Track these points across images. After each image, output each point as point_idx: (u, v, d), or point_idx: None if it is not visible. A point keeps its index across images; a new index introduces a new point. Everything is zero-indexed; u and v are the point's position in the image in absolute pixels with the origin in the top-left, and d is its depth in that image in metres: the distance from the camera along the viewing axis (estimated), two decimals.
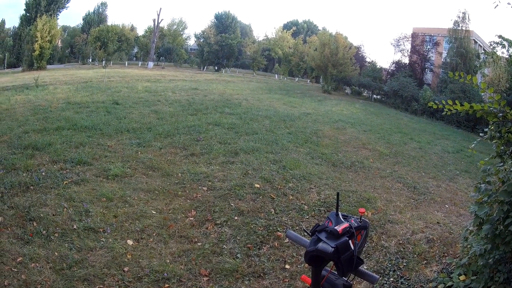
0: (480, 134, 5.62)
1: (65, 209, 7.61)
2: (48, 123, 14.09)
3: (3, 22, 74.67)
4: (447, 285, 5.66)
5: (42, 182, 8.74)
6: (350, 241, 2.56)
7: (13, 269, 5.62)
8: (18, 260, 5.86)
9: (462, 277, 5.42)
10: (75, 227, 7.00)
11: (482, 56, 42.58)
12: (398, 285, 6.20)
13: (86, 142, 11.96)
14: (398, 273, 6.52)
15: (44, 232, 6.73)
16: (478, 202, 5.22)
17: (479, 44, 53.72)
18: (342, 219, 2.74)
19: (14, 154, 10.43)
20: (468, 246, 5.59)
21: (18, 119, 14.57)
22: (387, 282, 6.26)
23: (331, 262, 2.62)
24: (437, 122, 34.97)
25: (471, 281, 5.14)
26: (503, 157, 5.21)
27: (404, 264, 6.79)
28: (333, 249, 2.44)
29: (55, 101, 19.18)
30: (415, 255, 7.07)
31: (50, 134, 12.62)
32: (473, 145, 5.94)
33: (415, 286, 6.12)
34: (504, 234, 4.63)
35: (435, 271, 6.47)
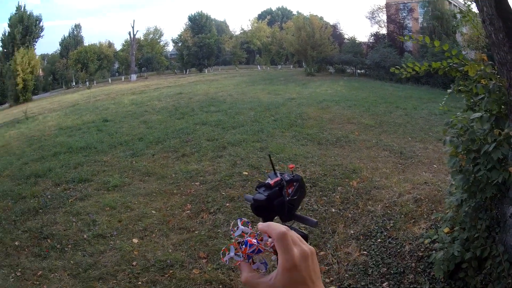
0: (448, 90, 5.68)
1: (74, 223, 8.26)
2: (45, 151, 14.53)
3: None
4: (433, 239, 5.95)
5: (49, 204, 9.35)
6: (282, 191, 3.24)
7: (35, 283, 6.25)
8: (39, 274, 6.48)
9: (446, 229, 5.57)
10: (85, 236, 7.66)
11: (458, 15, 42.49)
12: (386, 244, 6.64)
13: (83, 162, 12.49)
14: (385, 233, 6.96)
15: (58, 246, 7.37)
16: (451, 155, 5.34)
17: (454, 4, 53.37)
18: (278, 176, 3.41)
19: (19, 185, 10.96)
20: (452, 199, 5.64)
21: (16, 153, 15.02)
22: (375, 243, 6.72)
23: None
24: (423, 86, 34.58)
25: (457, 233, 5.31)
26: (474, 110, 5.27)
27: (391, 225, 7.23)
28: (265, 197, 3.11)
29: (47, 129, 19.52)
30: (402, 216, 7.49)
31: (48, 160, 13.10)
32: (443, 102, 6.07)
33: (403, 244, 6.52)
34: (478, 182, 4.84)
35: (423, 228, 6.88)
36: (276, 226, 1.09)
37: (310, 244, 1.17)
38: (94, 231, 7.86)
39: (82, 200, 9.53)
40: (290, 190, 3.41)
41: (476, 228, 5.03)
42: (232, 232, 1.24)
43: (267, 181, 3.42)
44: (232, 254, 1.17)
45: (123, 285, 6.14)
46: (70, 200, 9.52)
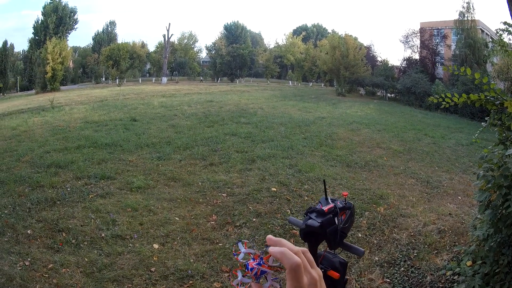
0: (482, 123, 5.60)
1: (92, 220, 8.05)
2: (68, 142, 14.54)
3: (12, 46, 75.22)
4: (455, 272, 5.85)
5: (68, 197, 9.19)
6: (335, 218, 3.05)
7: (44, 275, 6.03)
8: (49, 266, 6.28)
9: (468, 263, 5.51)
10: (103, 235, 7.44)
11: (490, 44, 42.16)
12: (409, 274, 6.47)
13: (107, 159, 12.40)
14: (409, 262, 6.78)
15: (74, 241, 7.16)
16: (481, 189, 5.26)
17: (486, 33, 52.89)
18: (330, 202, 3.24)
19: (38, 172, 10.88)
20: (476, 233, 5.54)
21: (38, 140, 15.04)
22: (398, 272, 6.54)
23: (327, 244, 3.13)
24: (451, 115, 34.66)
25: (479, 267, 5.22)
26: (505, 144, 5.29)
27: (415, 254, 7.04)
28: (319, 224, 2.93)
29: (73, 121, 19.68)
30: (426, 246, 7.32)
31: (71, 152, 13.06)
32: (476, 134, 6.00)
33: (425, 274, 6.37)
34: (505, 218, 4.75)
35: (445, 259, 6.70)
36: (290, 256, 1.04)
37: None
38: (113, 231, 7.66)
39: (103, 197, 9.36)
40: (342, 218, 3.22)
41: (498, 263, 4.93)
42: (235, 256, 1.24)
43: (318, 206, 3.22)
44: (240, 277, 1.18)
45: None
46: (90, 196, 9.35)
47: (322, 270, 3.21)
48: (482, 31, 51.40)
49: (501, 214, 4.85)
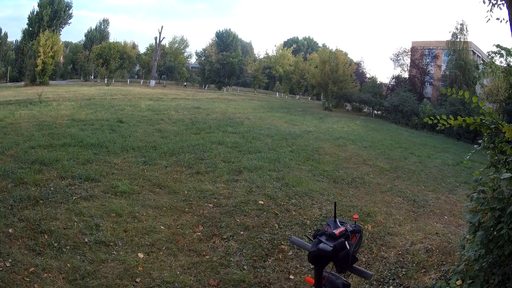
0: (475, 146, 5.74)
1: (75, 223, 7.80)
2: (54, 139, 14.35)
3: (6, 35, 74.96)
4: None
5: (51, 196, 8.94)
6: (346, 242, 2.97)
7: (25, 279, 5.79)
8: (31, 270, 6.03)
9: (458, 282, 5.57)
10: (86, 240, 7.20)
11: (480, 66, 42.60)
12: None
13: (93, 159, 12.19)
14: (398, 281, 6.74)
15: (56, 244, 6.91)
16: (472, 210, 5.37)
17: (477, 55, 53.68)
18: (339, 224, 3.15)
19: (22, 168, 10.62)
20: (465, 253, 5.71)
21: (24, 134, 14.84)
22: None
23: (331, 264, 3.07)
24: (438, 135, 35.21)
25: (468, 286, 5.30)
26: (497, 167, 5.38)
27: (403, 273, 7.01)
28: (331, 248, 2.85)
29: (60, 118, 19.52)
30: (414, 264, 7.30)
31: (56, 150, 12.86)
32: (468, 156, 6.07)
33: None
34: (497, 239, 4.81)
35: (433, 278, 6.68)
36: None
37: None
38: (96, 236, 7.43)
39: (87, 200, 9.12)
40: (352, 241, 3.13)
41: (489, 282, 5.05)
42: None
43: (326, 228, 3.12)
44: None
45: None
46: (74, 198, 9.10)
47: None
48: (474, 52, 52.07)
49: (492, 236, 4.90)
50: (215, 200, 9.89)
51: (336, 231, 3.01)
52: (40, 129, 16.12)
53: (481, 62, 46.66)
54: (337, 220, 3.23)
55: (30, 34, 63.96)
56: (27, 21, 66.66)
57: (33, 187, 9.40)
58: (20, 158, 11.48)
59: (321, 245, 2.89)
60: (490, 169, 5.46)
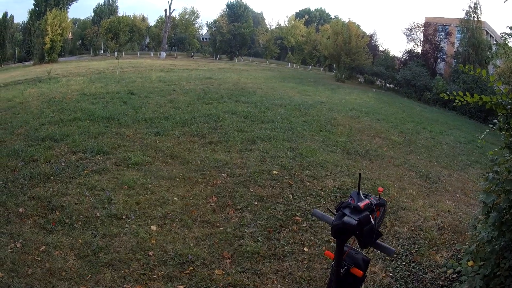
0: (490, 125, 5.54)
1: (87, 197, 7.74)
2: (64, 114, 14.15)
3: (12, 17, 74.77)
4: (456, 270, 5.83)
5: (62, 172, 8.85)
6: (370, 216, 2.82)
7: (36, 258, 5.73)
8: (41, 249, 5.97)
9: (470, 263, 5.51)
10: (98, 214, 7.14)
11: (494, 47, 42.15)
12: (410, 268, 6.36)
13: (104, 132, 12.06)
14: (410, 257, 6.68)
15: (67, 220, 6.85)
16: (486, 190, 5.22)
17: (490, 35, 53.05)
18: (363, 197, 3.01)
19: (32, 146, 10.49)
20: (477, 234, 5.64)
21: (33, 112, 14.65)
22: (400, 266, 6.42)
23: (352, 239, 2.98)
24: (450, 112, 34.84)
25: (479, 267, 5.22)
26: (511, 148, 5.17)
27: (416, 249, 6.95)
28: (356, 222, 2.71)
29: (70, 93, 19.30)
30: (426, 241, 7.22)
31: (67, 125, 12.70)
32: (483, 135, 5.86)
33: (426, 271, 6.26)
34: (510, 222, 4.72)
35: (445, 257, 6.61)
36: None
37: None
38: (108, 210, 7.36)
39: (99, 173, 9.02)
40: (376, 215, 2.98)
41: (499, 266, 4.90)
42: None
43: (350, 201, 2.97)
44: None
45: (136, 277, 5.65)
46: (85, 172, 9.01)
47: (345, 267, 3.04)
48: (487, 32, 51.55)
49: (505, 218, 4.78)
50: (229, 170, 9.78)
51: (361, 204, 2.89)
52: (50, 106, 15.94)
53: (494, 42, 46.19)
54: (361, 192, 3.10)
55: (37, 14, 63.41)
56: (33, 2, 66.19)
57: (44, 164, 9.31)
58: (30, 136, 11.35)
59: (346, 218, 2.77)
60: (504, 150, 5.31)
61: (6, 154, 9.74)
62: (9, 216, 6.88)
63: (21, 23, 76.04)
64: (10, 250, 5.86)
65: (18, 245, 6.02)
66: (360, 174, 3.47)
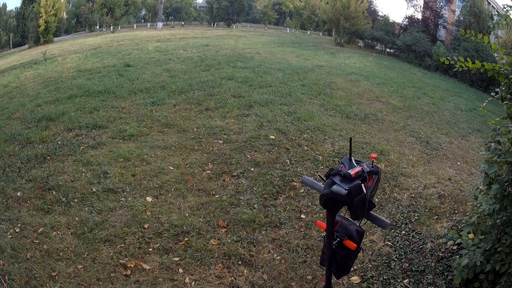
0: (492, 94, 5.47)
1: (83, 174, 7.72)
2: (60, 93, 14.07)
3: (5, 5, 74.32)
4: (456, 242, 5.74)
5: (58, 151, 8.83)
6: (362, 185, 2.64)
7: (34, 241, 5.76)
8: (40, 231, 5.99)
9: (470, 235, 5.45)
10: (94, 190, 7.13)
11: (495, 17, 41.86)
12: (410, 238, 6.34)
13: (100, 107, 11.97)
14: (410, 226, 6.65)
15: (64, 199, 6.86)
16: (488, 160, 5.21)
17: (492, 6, 52.63)
18: (355, 164, 2.83)
19: (28, 128, 10.44)
20: (478, 205, 5.59)
21: (30, 94, 14.57)
22: (399, 235, 6.41)
23: (344, 208, 2.81)
24: (450, 79, 34.53)
25: (480, 241, 5.17)
26: None
27: (416, 218, 6.91)
28: (346, 191, 2.54)
29: (66, 71, 19.12)
30: (427, 210, 7.19)
31: (63, 103, 12.61)
32: (484, 103, 5.75)
33: (426, 241, 6.25)
34: None
35: (445, 227, 6.58)
36: None
37: None
38: (104, 184, 7.34)
39: (95, 148, 9.00)
40: (369, 184, 2.78)
41: (500, 242, 4.87)
42: None
43: (340, 168, 2.79)
44: None
45: (131, 251, 5.63)
46: (81, 148, 8.97)
47: (338, 239, 2.88)
48: (489, 3, 50.96)
49: (507, 192, 4.72)
50: (225, 136, 9.70)
51: (352, 172, 2.68)
52: (46, 86, 15.81)
53: (496, 13, 45.78)
54: (353, 158, 2.90)
55: None
56: None
57: (40, 144, 9.28)
58: (27, 119, 11.26)
59: (335, 188, 2.60)
60: (507, 121, 5.19)
61: (3, 140, 9.68)
62: (8, 201, 6.91)
63: (14, 9, 75.49)
64: (10, 236, 5.89)
65: (17, 230, 6.04)
66: (351, 138, 3.29)
